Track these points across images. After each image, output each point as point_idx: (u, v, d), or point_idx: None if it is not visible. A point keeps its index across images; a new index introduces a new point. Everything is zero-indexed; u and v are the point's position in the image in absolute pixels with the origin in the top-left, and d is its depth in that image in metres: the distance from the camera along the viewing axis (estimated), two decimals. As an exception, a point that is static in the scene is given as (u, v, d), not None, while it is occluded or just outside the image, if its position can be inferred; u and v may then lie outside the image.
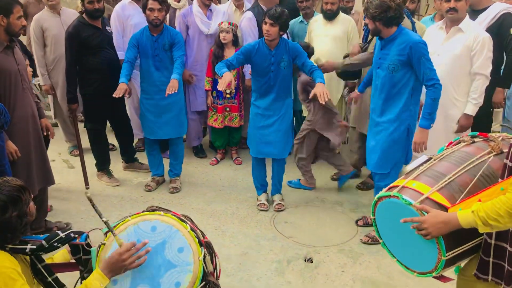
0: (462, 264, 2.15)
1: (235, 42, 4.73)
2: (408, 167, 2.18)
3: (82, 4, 4.18)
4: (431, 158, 2.16)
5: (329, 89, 3.52)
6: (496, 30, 3.81)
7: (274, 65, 3.72)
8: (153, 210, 1.96)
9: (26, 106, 3.25)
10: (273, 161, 4.10)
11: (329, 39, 4.57)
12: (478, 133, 2.20)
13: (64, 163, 5.10)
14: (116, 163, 4.86)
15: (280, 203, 4.10)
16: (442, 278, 2.12)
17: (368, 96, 4.08)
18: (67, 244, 1.94)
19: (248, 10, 4.92)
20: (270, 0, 4.70)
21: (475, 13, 3.94)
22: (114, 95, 3.80)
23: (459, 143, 2.20)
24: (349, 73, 4.14)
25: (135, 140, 5.18)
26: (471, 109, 3.57)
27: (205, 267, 1.85)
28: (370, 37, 3.94)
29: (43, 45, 4.83)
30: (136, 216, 1.92)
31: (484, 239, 1.96)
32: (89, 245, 1.93)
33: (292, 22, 4.67)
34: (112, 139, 5.34)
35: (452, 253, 1.92)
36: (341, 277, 3.19)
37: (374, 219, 2.16)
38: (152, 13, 3.98)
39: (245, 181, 4.63)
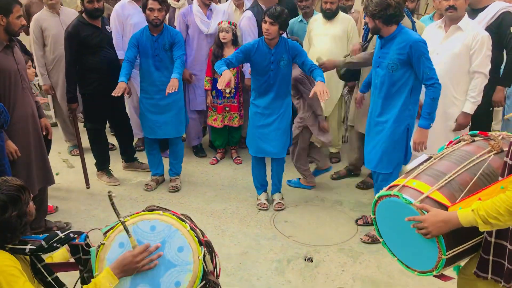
0: (462, 263, 2.15)
1: (235, 41, 4.72)
2: (408, 166, 2.18)
3: (81, 3, 4.17)
4: (431, 157, 2.16)
5: (328, 88, 3.52)
6: (496, 29, 3.81)
7: (274, 64, 3.71)
8: (152, 210, 1.95)
9: (26, 106, 3.25)
10: (272, 161, 4.10)
11: (329, 38, 4.57)
12: (478, 132, 2.20)
13: (64, 162, 5.10)
14: (116, 163, 4.86)
15: (280, 202, 4.10)
16: (442, 277, 2.12)
17: (366, 95, 4.09)
18: (66, 244, 1.93)
19: (247, 9, 4.92)
20: (270, -1, 4.70)
21: (474, 12, 3.93)
22: (113, 94, 3.80)
23: (459, 142, 2.20)
24: (349, 75, 4.15)
25: (135, 140, 5.17)
26: (470, 108, 3.57)
27: (205, 266, 1.85)
28: (370, 36, 3.95)
29: (42, 45, 4.82)
30: (135, 216, 1.92)
31: (484, 237, 1.96)
32: (88, 245, 1.93)
33: (291, 21, 4.66)
34: (111, 139, 5.35)
35: (452, 252, 1.92)
36: (341, 276, 3.19)
37: (375, 218, 2.16)
38: (152, 13, 3.98)
39: (245, 180, 4.62)
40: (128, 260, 1.77)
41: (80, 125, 4.66)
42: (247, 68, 4.71)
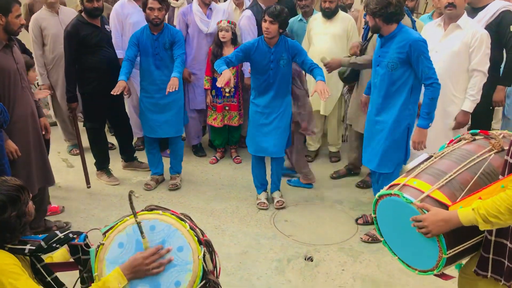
0: (464, 261, 2.14)
1: (234, 40, 4.71)
2: (409, 165, 2.17)
3: (81, 2, 4.16)
4: (431, 156, 2.16)
5: (328, 87, 3.51)
6: (496, 27, 3.80)
7: (274, 63, 3.71)
8: (152, 209, 1.95)
9: (25, 105, 3.24)
10: (272, 160, 4.09)
11: (329, 37, 4.56)
12: (479, 130, 2.20)
13: (63, 162, 5.09)
14: (116, 162, 4.85)
15: (280, 200, 4.10)
16: (443, 276, 2.12)
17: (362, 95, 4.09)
18: (66, 244, 1.93)
19: (247, 8, 4.91)
20: (269, -2, 4.70)
21: (474, 11, 3.93)
22: (112, 93, 3.79)
23: (460, 141, 2.20)
24: (351, 78, 4.14)
25: (134, 139, 5.17)
26: (469, 106, 3.57)
27: (205, 265, 1.84)
28: (370, 35, 3.94)
29: (41, 44, 4.82)
30: (134, 216, 1.91)
31: (485, 236, 1.96)
32: (87, 246, 1.92)
33: (291, 20, 4.66)
34: (111, 138, 5.35)
35: (453, 251, 1.92)
36: (341, 275, 3.19)
37: (375, 217, 2.15)
38: (152, 12, 3.98)
39: (244, 179, 4.62)
40: (138, 262, 1.76)
41: (80, 125, 4.66)
42: (246, 67, 4.70)
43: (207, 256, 1.90)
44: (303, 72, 4.11)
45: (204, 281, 1.83)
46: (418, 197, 1.93)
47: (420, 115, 3.18)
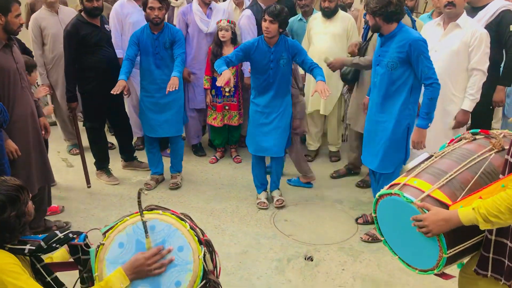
0: (465, 261, 2.14)
1: (234, 40, 4.71)
2: (410, 165, 2.17)
3: (80, 2, 4.16)
4: (432, 156, 2.16)
5: (328, 86, 3.51)
6: (496, 27, 3.80)
7: (273, 63, 3.70)
8: (152, 209, 1.94)
9: (25, 105, 3.24)
10: (272, 159, 4.09)
11: (329, 37, 4.56)
12: (480, 130, 2.20)
13: (63, 161, 5.09)
14: (115, 162, 4.85)
15: (280, 199, 4.10)
16: (443, 275, 2.11)
17: (362, 95, 4.09)
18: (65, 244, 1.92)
19: (246, 8, 4.91)
20: (269, -2, 4.69)
21: (474, 10, 3.93)
22: (112, 92, 3.79)
23: (460, 140, 2.19)
24: (352, 78, 4.14)
25: (134, 139, 5.16)
26: (468, 105, 3.57)
27: (205, 265, 1.84)
28: (370, 35, 3.93)
29: (41, 44, 4.81)
30: (134, 216, 1.90)
31: (485, 235, 1.96)
32: (87, 246, 1.92)
33: (291, 20, 4.66)
34: (111, 138, 5.34)
35: (453, 251, 1.91)
36: (341, 275, 3.18)
37: (376, 216, 2.15)
38: (152, 11, 3.97)
39: (244, 179, 4.62)
40: (140, 262, 1.76)
41: (80, 124, 4.65)
42: (246, 66, 4.70)
43: (207, 256, 1.90)
44: (298, 70, 4.12)
45: (204, 281, 1.83)
46: (419, 197, 1.93)
47: (419, 115, 3.17)
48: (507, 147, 1.92)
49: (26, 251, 1.82)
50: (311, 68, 3.66)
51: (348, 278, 3.15)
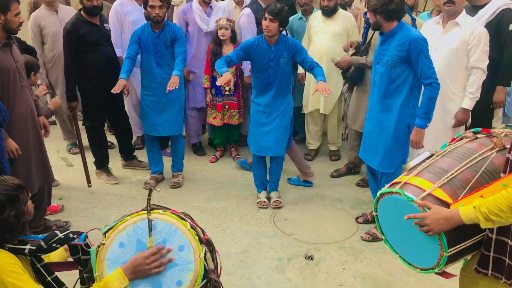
0: (468, 258, 2.14)
1: (233, 38, 4.70)
2: (411, 163, 2.17)
3: (80, 1, 4.15)
4: (433, 154, 2.15)
5: (328, 85, 3.51)
6: (495, 25, 3.79)
7: (274, 61, 3.70)
8: (152, 209, 1.94)
9: (24, 104, 3.23)
10: (272, 159, 4.08)
11: (329, 35, 4.55)
12: (481, 129, 2.20)
13: (63, 161, 5.08)
14: (115, 161, 4.85)
15: (277, 200, 4.10)
16: (444, 274, 2.11)
17: (361, 94, 4.08)
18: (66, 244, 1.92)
19: (246, 6, 4.90)
20: (269, -4, 4.68)
21: (475, 9, 3.92)
22: (112, 91, 3.78)
23: (461, 139, 2.19)
24: (355, 78, 4.14)
25: (134, 138, 5.16)
26: (468, 104, 3.56)
27: (206, 265, 1.84)
28: (370, 35, 3.92)
29: (41, 43, 4.81)
30: (135, 215, 1.90)
31: (486, 233, 1.96)
32: (88, 246, 1.91)
33: (291, 18, 4.65)
34: (110, 137, 5.33)
35: (454, 249, 1.91)
36: (342, 274, 3.18)
37: (377, 215, 2.15)
38: (153, 10, 3.97)
39: (244, 178, 4.61)
40: (139, 262, 1.76)
41: (80, 124, 4.65)
42: (246, 65, 4.69)
43: (208, 255, 1.90)
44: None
45: (205, 280, 1.82)
46: (420, 195, 1.93)
47: (418, 114, 3.15)
48: (508, 146, 1.91)
49: (26, 251, 1.82)
50: (311, 67, 3.65)
51: (349, 277, 3.14)
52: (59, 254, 2.09)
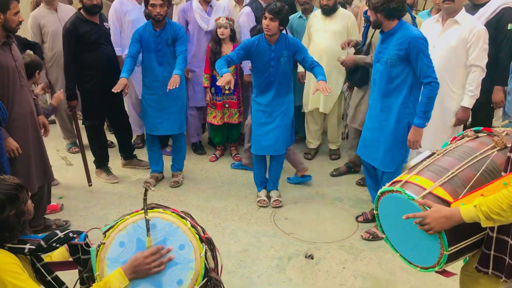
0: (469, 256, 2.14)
1: (233, 37, 4.69)
2: (412, 162, 2.17)
3: (80, 0, 4.15)
4: (434, 153, 2.15)
5: (328, 84, 3.51)
6: (495, 24, 3.79)
7: (274, 61, 3.69)
8: (152, 208, 1.94)
9: (24, 103, 3.22)
10: (272, 158, 4.08)
11: (329, 34, 4.55)
12: (482, 128, 2.19)
13: (62, 160, 5.08)
14: (115, 160, 4.84)
15: (277, 199, 4.09)
16: (444, 273, 2.11)
17: (362, 92, 4.07)
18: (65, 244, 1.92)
19: (246, 5, 4.90)
20: (268, -5, 4.67)
21: (475, 7, 3.92)
22: (113, 90, 3.77)
23: (462, 138, 2.19)
24: (358, 79, 4.14)
25: (134, 137, 5.15)
26: (468, 102, 3.55)
27: (206, 263, 1.83)
28: (369, 35, 3.92)
29: (41, 42, 4.79)
30: (135, 214, 1.90)
31: (486, 232, 1.95)
32: (88, 245, 1.91)
33: (291, 17, 4.63)
34: (110, 136, 5.33)
35: (454, 248, 1.91)
36: (342, 273, 3.18)
37: (377, 214, 2.15)
38: (154, 9, 3.96)
39: (244, 177, 4.61)
40: (139, 261, 1.76)
41: (79, 123, 4.64)
42: (246, 64, 4.69)
43: (209, 253, 1.89)
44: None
45: (206, 279, 1.82)
46: (420, 194, 1.93)
47: (417, 114, 3.14)
48: (509, 145, 1.91)
49: (26, 250, 1.81)
50: (312, 66, 3.64)
51: (349, 277, 3.14)
52: (60, 254, 2.09)
